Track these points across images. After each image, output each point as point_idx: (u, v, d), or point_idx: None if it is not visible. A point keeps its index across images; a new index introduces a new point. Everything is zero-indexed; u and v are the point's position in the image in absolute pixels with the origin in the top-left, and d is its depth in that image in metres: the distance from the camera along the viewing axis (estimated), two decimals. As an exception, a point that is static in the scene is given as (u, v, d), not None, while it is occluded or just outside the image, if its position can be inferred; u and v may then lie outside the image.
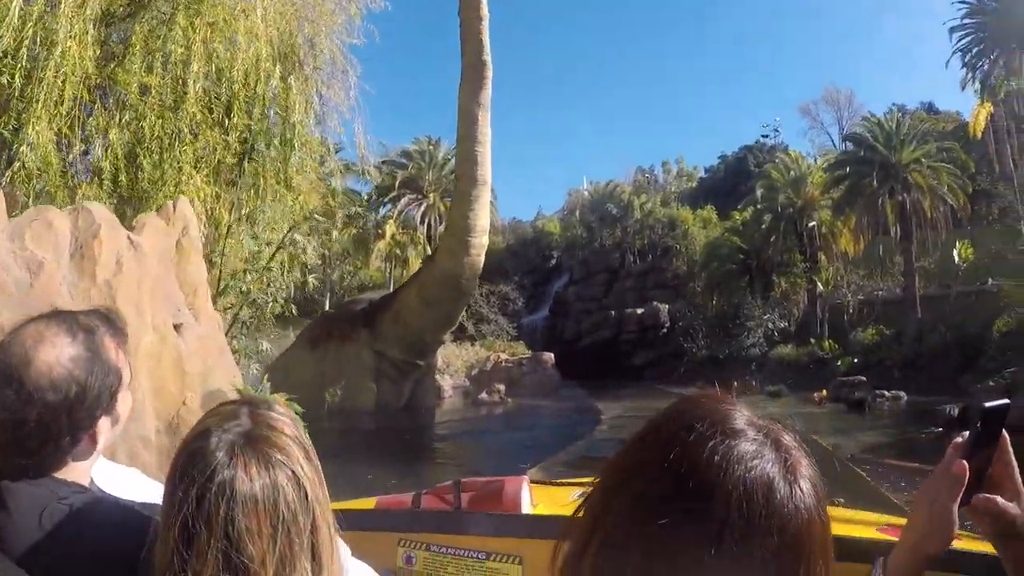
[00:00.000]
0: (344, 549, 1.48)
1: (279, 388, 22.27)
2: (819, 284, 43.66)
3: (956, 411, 21.09)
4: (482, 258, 24.01)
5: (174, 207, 10.75)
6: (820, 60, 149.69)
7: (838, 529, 2.34)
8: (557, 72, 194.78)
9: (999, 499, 1.20)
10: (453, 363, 40.71)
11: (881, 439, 20.78)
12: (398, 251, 51.67)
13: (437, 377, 34.57)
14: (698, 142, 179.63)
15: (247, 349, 17.11)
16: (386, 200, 54.91)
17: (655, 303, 59.01)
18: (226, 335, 13.13)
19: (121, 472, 1.80)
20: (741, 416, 0.89)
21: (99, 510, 1.45)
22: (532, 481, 2.75)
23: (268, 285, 17.86)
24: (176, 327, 9.02)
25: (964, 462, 1.19)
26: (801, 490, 0.84)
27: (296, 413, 1.87)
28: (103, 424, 1.52)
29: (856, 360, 37.23)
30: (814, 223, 46.60)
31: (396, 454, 18.66)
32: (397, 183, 53.22)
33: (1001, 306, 31.27)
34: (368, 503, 2.72)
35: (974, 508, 1.21)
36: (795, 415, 25.58)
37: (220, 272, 16.49)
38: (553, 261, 76.72)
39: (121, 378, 1.55)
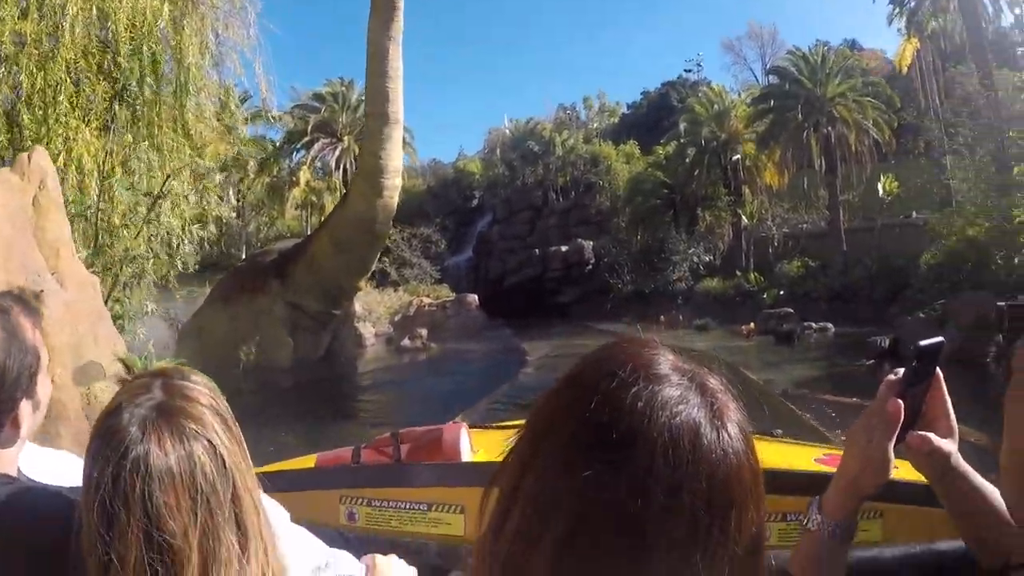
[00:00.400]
0: (281, 514, 1.49)
1: (192, 349, 21.39)
2: (744, 217, 43.54)
3: (887, 343, 20.88)
4: (395, 200, 22.78)
5: (29, 159, 9.55)
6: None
7: (777, 461, 2.30)
8: (476, 8, 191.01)
9: (933, 437, 1.22)
10: (375, 310, 39.23)
11: (813, 372, 20.47)
12: (314, 198, 49.93)
13: (358, 325, 33.45)
14: (621, 79, 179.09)
15: (133, 312, 15.46)
16: (299, 146, 52.48)
17: (579, 240, 58.45)
18: (108, 299, 12.09)
19: (52, 457, 1.73)
20: (665, 360, 0.85)
21: (26, 499, 1.40)
22: (471, 426, 2.80)
23: (159, 241, 16.40)
24: (37, 295, 8.01)
25: (899, 401, 1.19)
26: (729, 435, 0.81)
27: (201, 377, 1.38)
28: (24, 408, 1.48)
29: (782, 292, 37.32)
30: (738, 156, 46.34)
31: (315, 411, 17.59)
32: (310, 127, 50.90)
33: (929, 239, 31.26)
34: (309, 461, 2.68)
35: (909, 446, 1.22)
36: (723, 349, 25.33)
37: (96, 229, 15.01)
38: (475, 201, 75.97)
39: (40, 359, 1.51)
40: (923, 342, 1.21)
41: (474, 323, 39.73)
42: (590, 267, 56.64)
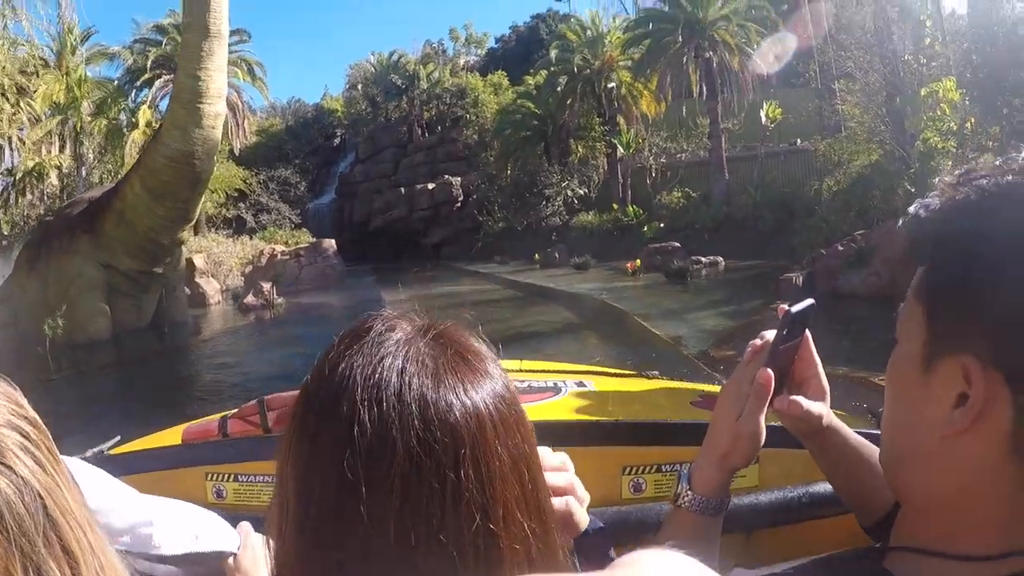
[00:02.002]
0: (134, 498, 1.43)
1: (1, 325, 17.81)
2: (620, 148, 40.84)
3: (800, 280, 18.19)
4: (219, 131, 18.83)
5: None
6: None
7: (652, 404, 2.58)
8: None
9: (804, 400, 1.20)
10: (226, 262, 35.06)
11: (727, 322, 16.75)
12: None
13: (200, 281, 29.62)
14: (488, 15, 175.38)
15: None
16: (140, 84, 46.44)
17: (447, 177, 56.48)
18: None
19: None
20: (381, 324, 0.85)
21: None
22: None
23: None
24: None
25: (768, 371, 1.16)
26: (449, 378, 0.79)
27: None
28: None
29: (662, 225, 35.31)
30: (613, 85, 43.64)
31: (142, 396, 14.23)
32: (149, 63, 45.04)
33: (819, 167, 30.22)
34: (175, 434, 2.49)
35: (779, 412, 1.20)
36: (609, 292, 22.61)
37: None
38: (337, 140, 73.05)
39: None
40: (794, 307, 1.17)
41: (332, 272, 36.07)
42: (459, 205, 55.02)
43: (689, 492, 1.21)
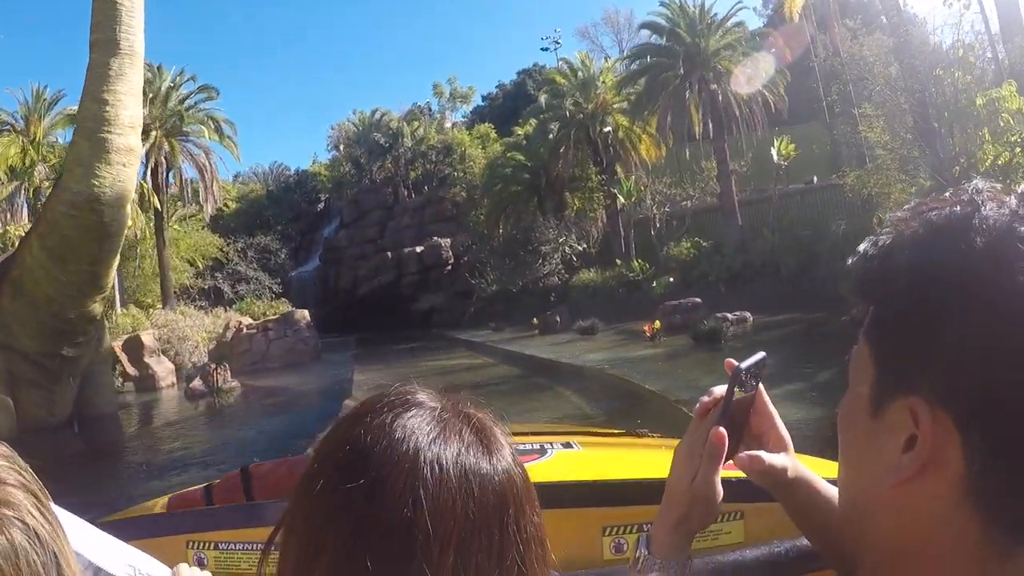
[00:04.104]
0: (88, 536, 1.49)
1: None
2: (620, 197, 37.25)
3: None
4: (133, 171, 14.90)
5: None
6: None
7: (638, 463, 2.47)
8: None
9: (764, 455, 1.17)
10: (191, 337, 31.32)
11: (812, 410, 10.59)
12: None
13: (150, 361, 25.78)
14: (473, 74, 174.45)
15: None
16: None
17: (436, 238, 53.90)
18: None
19: None
20: (415, 398, 0.89)
21: None
22: None
23: None
24: None
25: (721, 430, 1.11)
26: (490, 455, 0.86)
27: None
28: None
29: (672, 279, 31.68)
30: (609, 129, 40.20)
31: None
32: None
33: (846, 203, 27.65)
34: (161, 502, 2.56)
35: (741, 470, 1.18)
36: (627, 362, 18.46)
37: None
38: (321, 205, 70.74)
39: None
40: (744, 363, 1.14)
41: (304, 347, 32.28)
42: (450, 267, 52.44)
43: (647, 556, 1.17)
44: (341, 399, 18.94)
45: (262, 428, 17.07)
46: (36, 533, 1.00)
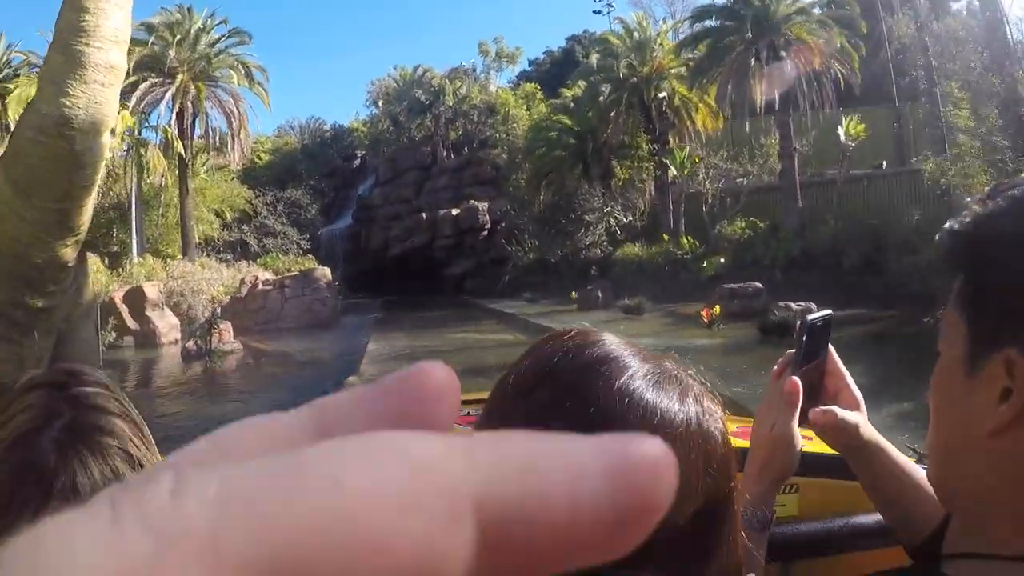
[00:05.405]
0: None
1: None
2: (672, 169, 34.83)
3: None
4: (114, 92, 12.65)
5: None
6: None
7: None
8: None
9: (837, 410, 1.21)
10: (205, 291, 29.63)
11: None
12: (141, 153, 38.82)
13: (152, 315, 23.95)
14: (519, 38, 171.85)
15: None
16: (122, 89, 40.53)
17: (473, 202, 51.68)
18: None
19: None
20: (628, 349, 0.88)
21: None
22: None
23: None
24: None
25: (795, 379, 1.20)
26: (711, 413, 0.87)
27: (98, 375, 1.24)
28: None
29: (723, 260, 29.64)
30: (664, 95, 37.67)
31: None
32: (132, 65, 39.07)
33: (922, 189, 26.34)
34: None
35: (814, 423, 1.23)
36: (684, 350, 16.39)
37: None
38: (357, 162, 68.23)
39: None
40: (810, 317, 1.21)
41: (322, 307, 30.36)
42: (486, 233, 50.14)
43: None
44: (350, 363, 17.03)
45: (248, 404, 14.96)
46: (139, 463, 1.08)
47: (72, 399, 1.11)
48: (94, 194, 11.10)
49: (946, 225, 0.90)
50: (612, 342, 0.87)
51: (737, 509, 0.87)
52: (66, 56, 10.93)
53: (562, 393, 0.82)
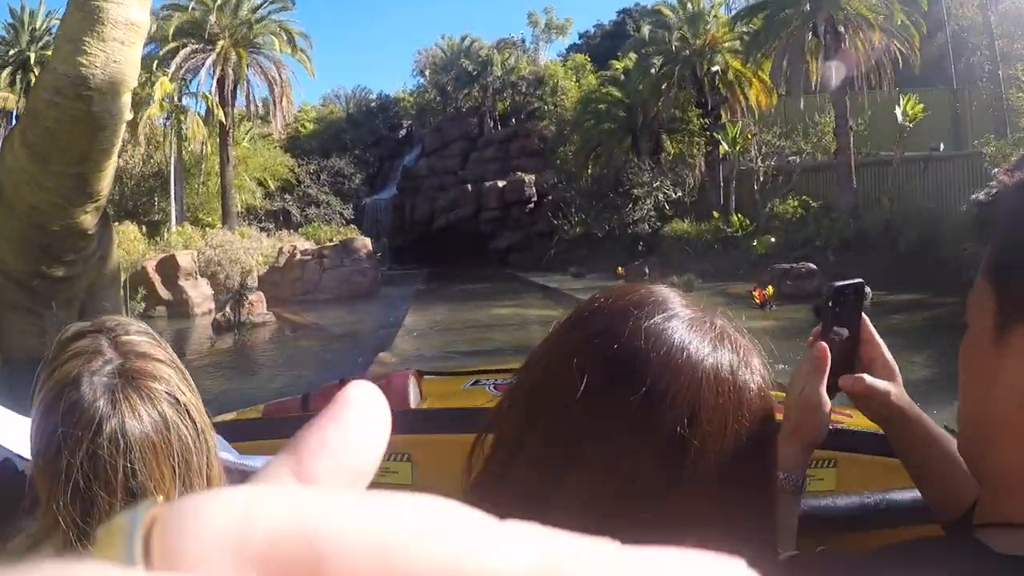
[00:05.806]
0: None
1: None
2: (724, 144, 34.26)
3: None
4: (135, 52, 12.16)
5: None
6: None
7: None
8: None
9: (867, 376, 1.20)
10: (243, 260, 28.98)
11: None
12: (181, 120, 37.37)
13: (185, 285, 23.70)
14: (572, 10, 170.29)
15: None
16: (162, 55, 38.36)
17: (520, 174, 50.93)
18: None
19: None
20: (676, 299, 0.87)
21: None
22: (423, 373, 2.72)
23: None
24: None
25: (823, 344, 1.19)
26: (757, 372, 0.85)
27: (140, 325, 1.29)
28: None
29: (774, 239, 29.02)
30: (717, 68, 37.08)
31: None
32: (171, 30, 37.53)
33: (982, 173, 23.90)
34: (256, 411, 2.59)
35: (845, 390, 1.22)
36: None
37: None
38: (403, 132, 67.61)
39: None
40: (837, 282, 1.22)
41: (362, 278, 29.88)
42: (532, 206, 49.50)
43: None
44: (384, 336, 16.68)
45: (272, 382, 14.49)
46: (187, 409, 1.10)
47: (120, 345, 1.13)
48: (114, 159, 10.80)
49: (974, 196, 1.51)
50: (659, 290, 0.85)
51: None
52: (84, 12, 10.68)
53: (593, 333, 0.81)
